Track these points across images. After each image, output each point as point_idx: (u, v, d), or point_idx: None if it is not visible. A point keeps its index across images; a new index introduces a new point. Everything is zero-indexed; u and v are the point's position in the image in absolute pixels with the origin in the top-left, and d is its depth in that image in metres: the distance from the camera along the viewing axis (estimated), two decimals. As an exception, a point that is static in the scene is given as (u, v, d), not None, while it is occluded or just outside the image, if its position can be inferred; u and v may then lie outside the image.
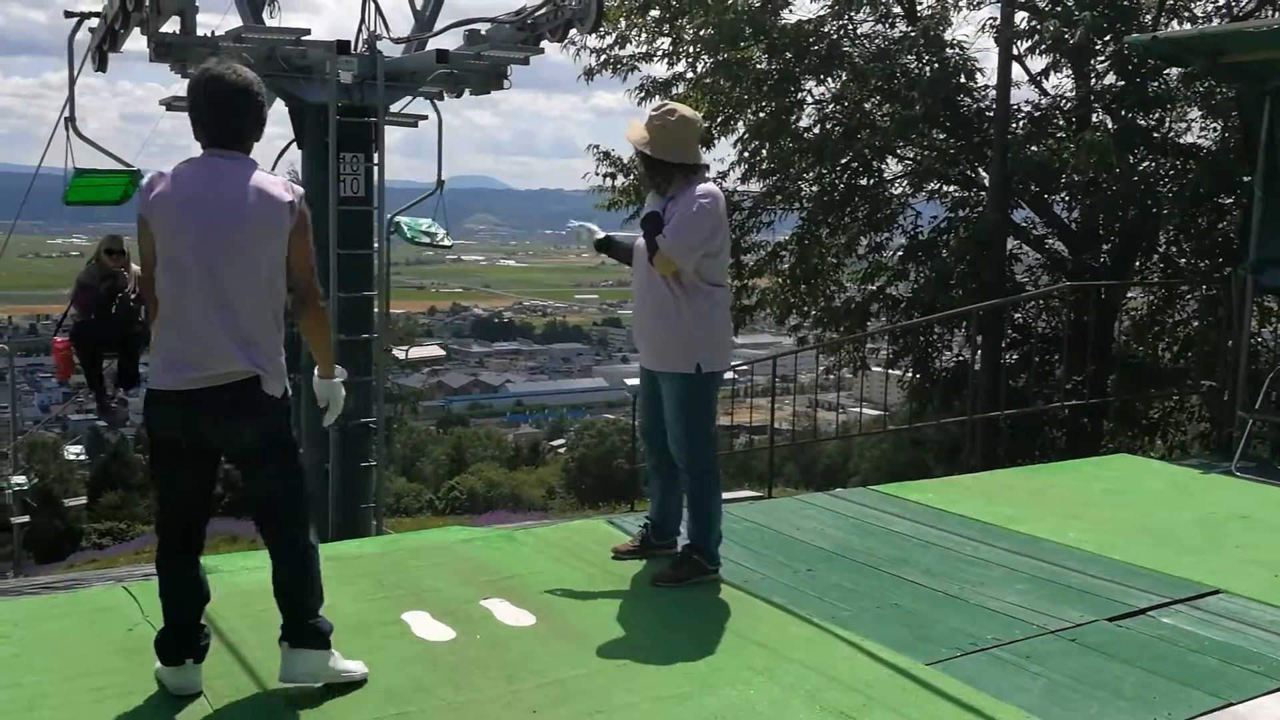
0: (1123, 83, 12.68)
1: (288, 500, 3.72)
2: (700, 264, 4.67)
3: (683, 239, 4.58)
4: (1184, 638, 4.46)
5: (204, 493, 3.71)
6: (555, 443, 60.60)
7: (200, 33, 9.23)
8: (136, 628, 4.18)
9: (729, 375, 13.70)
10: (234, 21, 9.91)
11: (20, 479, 26.28)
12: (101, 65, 10.00)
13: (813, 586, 4.97)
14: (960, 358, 13.58)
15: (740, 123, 14.37)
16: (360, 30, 9.97)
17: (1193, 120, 13.12)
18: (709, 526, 4.87)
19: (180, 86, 9.49)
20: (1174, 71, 12.43)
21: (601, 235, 4.99)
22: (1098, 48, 12.53)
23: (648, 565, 5.06)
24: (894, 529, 5.97)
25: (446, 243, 11.12)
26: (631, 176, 13.75)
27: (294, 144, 10.22)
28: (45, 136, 15.09)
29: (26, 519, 26.78)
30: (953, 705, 3.80)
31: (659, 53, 14.63)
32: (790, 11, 13.99)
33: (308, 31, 9.55)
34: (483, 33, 10.08)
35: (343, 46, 9.42)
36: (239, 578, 4.70)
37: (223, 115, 3.52)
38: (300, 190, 3.59)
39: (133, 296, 8.96)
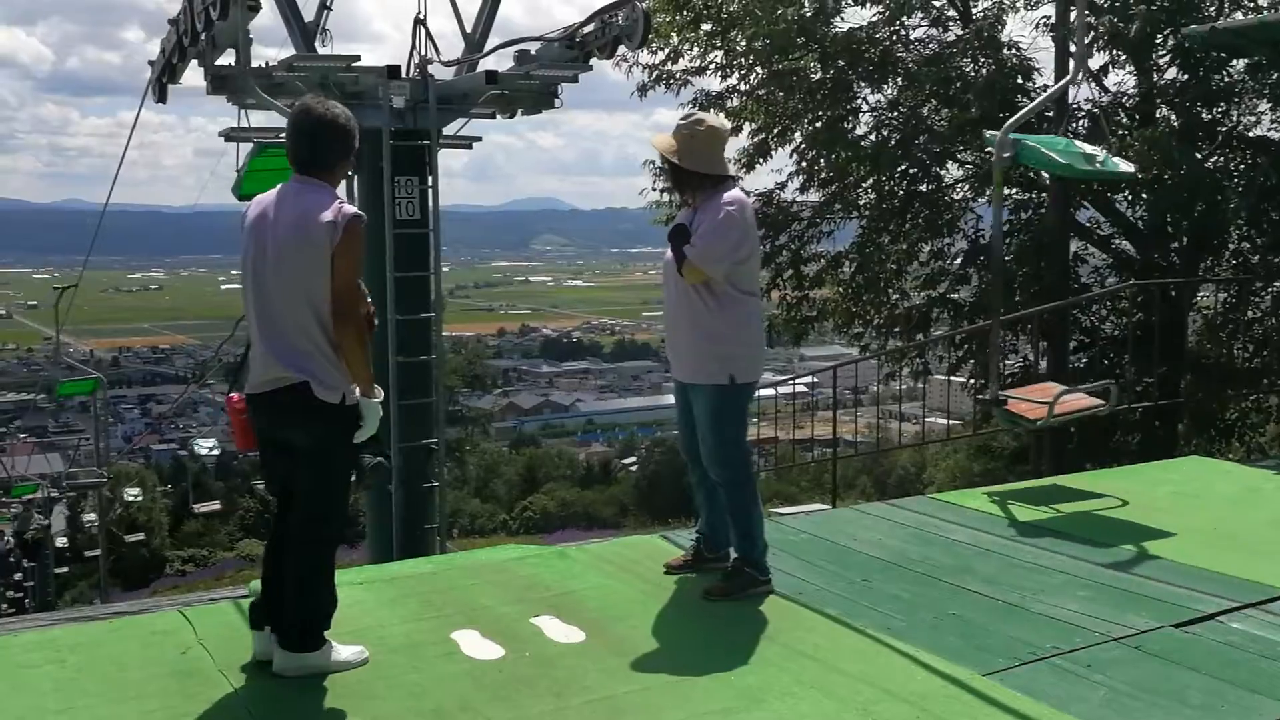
0: (1185, 76, 12.40)
1: (313, 504, 3.93)
2: (731, 272, 4.64)
3: (711, 247, 4.55)
4: (1254, 643, 4.30)
5: (288, 489, 4.01)
6: (627, 460, 60.56)
7: (255, 64, 9.40)
8: (190, 651, 4.22)
9: (787, 389, 13.67)
10: (288, 52, 10.07)
11: (92, 516, 27.09)
12: (161, 97, 10.24)
13: (868, 597, 4.89)
14: (1026, 361, 13.34)
15: (797, 133, 14.29)
16: (411, 55, 10.09)
17: (1262, 113, 12.78)
18: (753, 538, 4.81)
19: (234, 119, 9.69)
20: (1240, 63, 12.13)
21: (676, 223, 4.75)
22: (1158, 42, 12.28)
23: (699, 579, 5.01)
24: (953, 537, 5.85)
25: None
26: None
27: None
28: (125, 175, 15.40)
29: (98, 551, 27.55)
30: (1009, 716, 3.70)
31: (712, 66, 14.61)
32: (842, 20, 13.90)
33: (358, 58, 9.68)
34: (532, 52, 10.13)
35: (393, 71, 9.53)
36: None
37: (303, 144, 3.85)
38: (350, 211, 3.76)
39: None
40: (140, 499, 37.69)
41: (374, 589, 4.96)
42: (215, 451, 53.85)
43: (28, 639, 4.47)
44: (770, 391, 12.48)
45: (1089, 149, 6.20)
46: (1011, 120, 5.96)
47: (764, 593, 4.82)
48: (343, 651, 4.03)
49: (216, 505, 37.70)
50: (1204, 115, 12.46)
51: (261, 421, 3.98)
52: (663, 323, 5.00)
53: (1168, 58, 12.57)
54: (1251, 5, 12.64)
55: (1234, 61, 12.05)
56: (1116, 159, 6.33)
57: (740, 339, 4.70)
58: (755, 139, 14.46)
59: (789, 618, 4.60)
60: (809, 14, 13.61)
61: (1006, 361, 13.64)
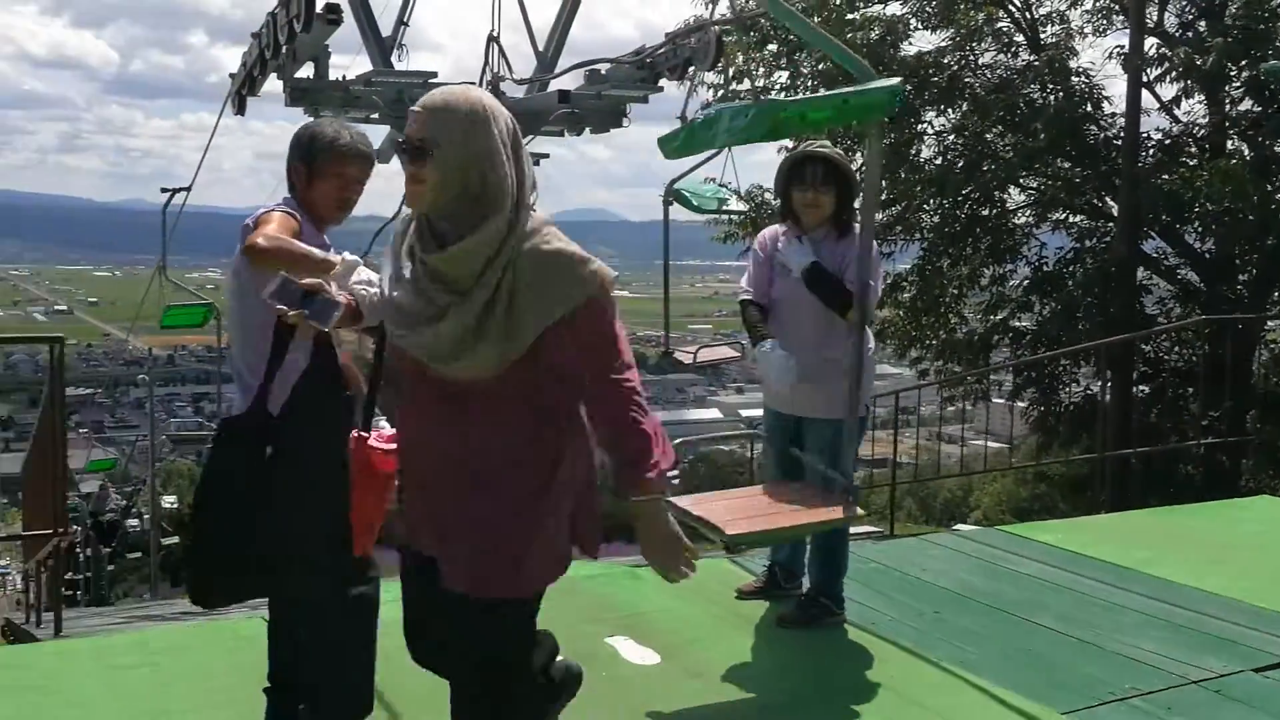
0: (1259, 109, 12.29)
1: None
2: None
3: (878, 284, 4.47)
4: (1336, 692, 4.26)
5: None
6: (670, 474, 60.35)
7: (332, 77, 9.57)
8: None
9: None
10: (364, 65, 10.23)
11: (134, 521, 26.16)
12: (240, 109, 10.44)
13: (940, 629, 4.88)
14: (1088, 392, 13.23)
15: (860, 155, 14.29)
16: (484, 71, 10.19)
17: (1337, 147, 12.63)
18: (839, 572, 4.80)
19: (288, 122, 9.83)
20: (1314, 98, 12.02)
21: (810, 260, 4.46)
22: (1232, 74, 12.18)
23: (772, 606, 5.03)
24: (1022, 571, 5.83)
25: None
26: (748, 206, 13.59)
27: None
28: (186, 177, 15.60)
29: (139, 554, 26.98)
30: (1090, 757, 3.70)
31: (776, 86, 14.65)
32: (910, 44, 13.92)
33: (435, 74, 9.83)
34: (603, 73, 10.22)
35: (468, 88, 9.63)
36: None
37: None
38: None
39: None
40: (176, 506, 37.32)
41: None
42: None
43: (121, 640, 4.59)
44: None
45: (724, 194, 7.30)
46: (681, 175, 6.31)
47: (838, 623, 4.83)
48: None
49: None
50: (1276, 149, 12.34)
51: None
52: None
53: (1242, 90, 12.48)
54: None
55: (1308, 96, 11.95)
56: (734, 203, 7.57)
57: (870, 368, 4.64)
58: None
59: (863, 648, 4.60)
60: (876, 37, 13.63)
61: (1069, 390, 13.57)
